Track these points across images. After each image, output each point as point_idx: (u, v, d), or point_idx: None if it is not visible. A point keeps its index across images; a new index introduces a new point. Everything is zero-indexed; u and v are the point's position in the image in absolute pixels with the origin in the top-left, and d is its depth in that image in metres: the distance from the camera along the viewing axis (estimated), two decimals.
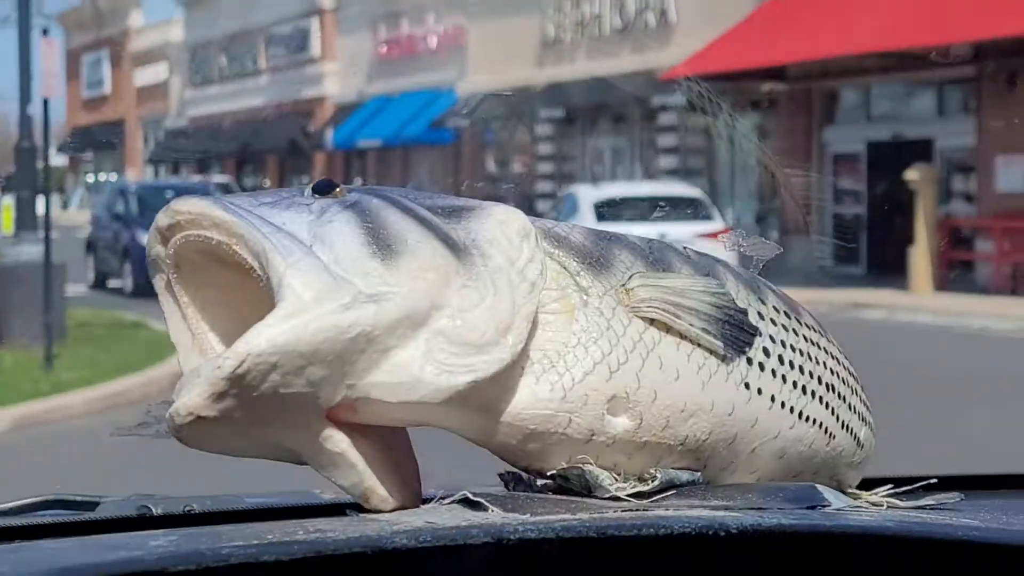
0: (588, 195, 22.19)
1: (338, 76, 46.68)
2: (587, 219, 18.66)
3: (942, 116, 27.44)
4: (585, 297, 1.39)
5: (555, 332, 1.36)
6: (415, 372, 1.27)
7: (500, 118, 33.58)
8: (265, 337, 1.22)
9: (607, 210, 20.69)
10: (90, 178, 63.19)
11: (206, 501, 1.84)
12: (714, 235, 22.96)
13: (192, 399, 1.22)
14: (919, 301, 23.10)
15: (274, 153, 48.41)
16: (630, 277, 1.42)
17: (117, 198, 27.44)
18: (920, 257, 24.46)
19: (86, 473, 9.59)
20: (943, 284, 24.83)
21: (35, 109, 17.37)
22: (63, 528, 1.70)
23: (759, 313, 1.49)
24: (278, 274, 1.24)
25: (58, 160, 63.17)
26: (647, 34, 33.13)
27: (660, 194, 23.35)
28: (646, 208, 20.49)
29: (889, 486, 1.63)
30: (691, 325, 1.41)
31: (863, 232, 28.65)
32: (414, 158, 42.26)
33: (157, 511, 1.79)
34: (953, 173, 27.66)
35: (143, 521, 1.76)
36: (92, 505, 1.79)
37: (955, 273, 26.10)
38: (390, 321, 1.26)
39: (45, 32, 19.60)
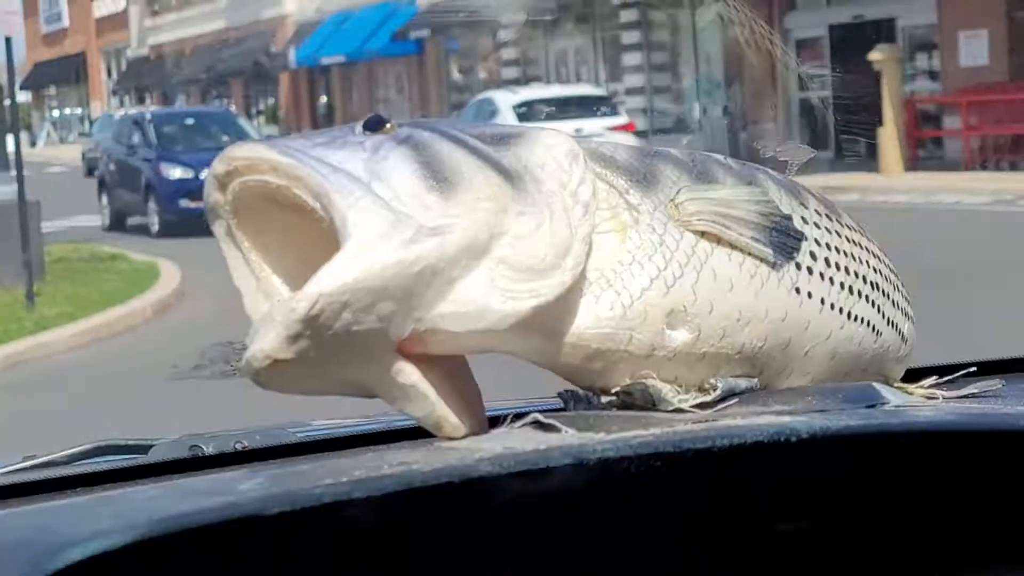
0: (506, 99, 23.01)
1: None
2: (508, 120, 19.74)
3: None
4: (636, 215, 1.41)
5: (610, 251, 1.38)
6: (480, 301, 1.29)
7: (462, 25, 33.38)
8: (335, 277, 1.23)
9: (526, 110, 21.49)
10: (55, 113, 62.69)
11: (255, 436, 1.86)
12: (624, 127, 24.23)
13: (269, 342, 1.24)
14: (891, 182, 23.20)
15: (238, 76, 48.10)
16: (678, 192, 1.43)
17: (132, 129, 25.13)
18: (889, 138, 24.50)
19: (83, 409, 9.63)
20: (913, 163, 24.92)
21: None
22: (122, 473, 1.72)
23: (803, 218, 1.51)
24: (341, 214, 1.25)
25: (22, 97, 62.70)
26: None
27: (571, 94, 24.44)
28: (560, 107, 21.32)
29: (934, 378, 1.66)
30: (741, 235, 1.43)
31: (829, 116, 28.66)
32: (379, 72, 42.04)
33: (209, 450, 1.81)
34: (916, 51, 27.67)
35: (198, 462, 1.78)
36: (145, 448, 1.81)
37: (924, 151, 26.17)
38: (453, 252, 1.28)
39: None
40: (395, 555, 1.22)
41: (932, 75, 27.40)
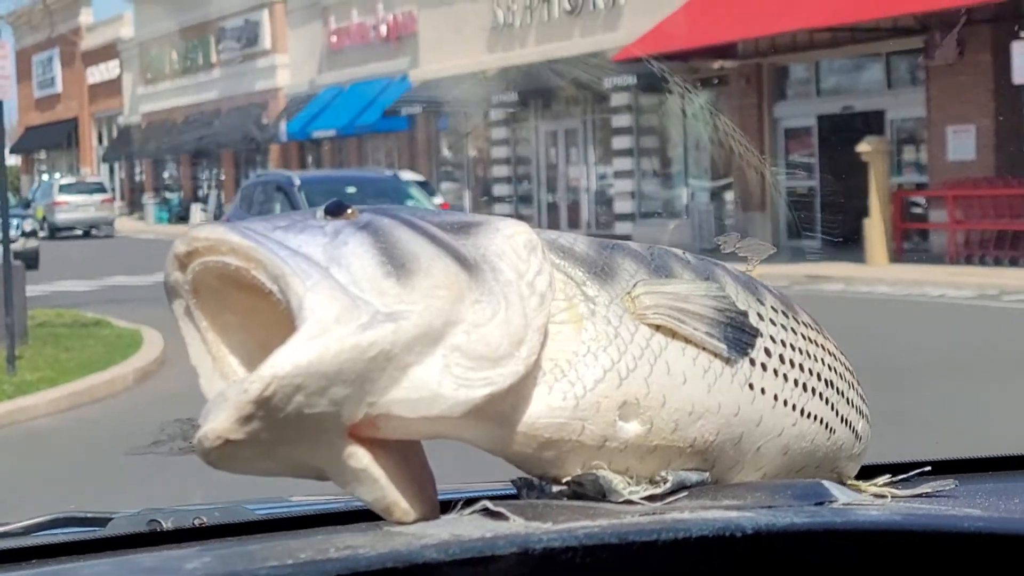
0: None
1: (290, 68, 46.61)
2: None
3: (891, 88, 27.59)
4: (592, 306, 1.42)
5: (565, 342, 1.40)
6: (434, 387, 1.31)
7: (452, 104, 33.54)
8: (289, 360, 1.25)
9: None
10: (45, 177, 62.79)
11: (214, 512, 1.87)
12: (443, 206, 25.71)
13: (220, 423, 1.25)
14: (876, 272, 23.28)
15: (229, 147, 48.27)
16: (635, 285, 1.45)
17: (271, 195, 20.69)
18: (875, 229, 24.61)
19: (58, 475, 9.60)
20: (899, 255, 25.01)
21: None
22: (79, 547, 1.73)
23: (759, 314, 1.53)
24: (298, 297, 1.27)
25: (11, 160, 62.79)
26: (596, 15, 33.19)
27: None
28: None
29: (887, 476, 1.67)
30: (695, 329, 1.44)
31: (817, 205, 28.79)
32: (369, 147, 42.20)
33: (168, 525, 1.82)
34: (904, 144, 27.84)
35: (155, 536, 1.79)
36: (103, 521, 1.81)
37: (910, 243, 26.27)
38: (408, 339, 1.29)
39: None
40: None
41: (919, 168, 27.56)
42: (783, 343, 1.54)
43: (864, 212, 24.96)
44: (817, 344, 1.60)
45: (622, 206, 33.31)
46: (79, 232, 49.01)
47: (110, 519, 1.82)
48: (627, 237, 31.74)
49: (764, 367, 1.50)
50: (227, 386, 1.29)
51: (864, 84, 28.41)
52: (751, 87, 29.57)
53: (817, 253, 25.98)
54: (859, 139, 25.82)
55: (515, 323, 1.34)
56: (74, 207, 49.23)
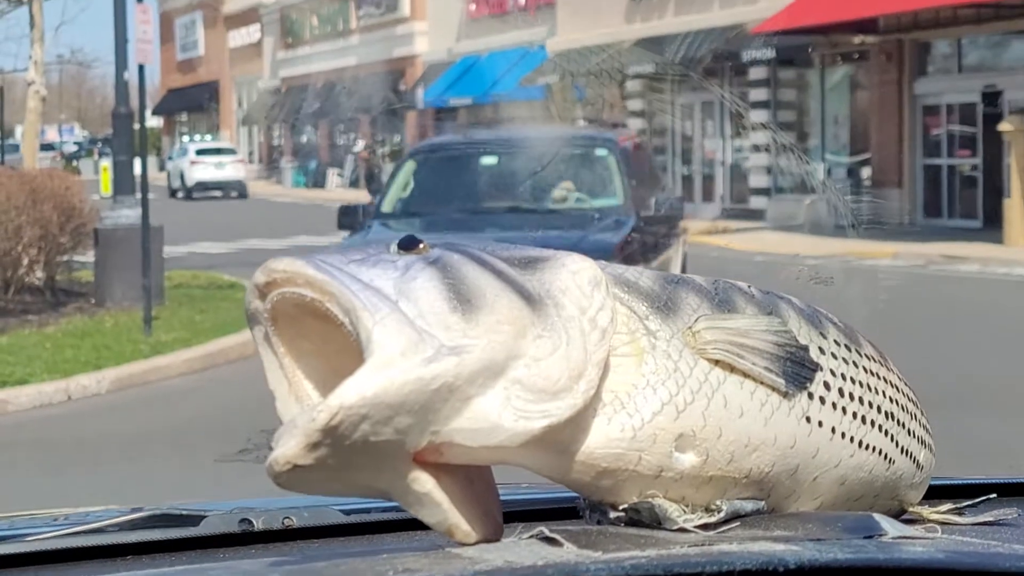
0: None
1: (428, 35, 46.83)
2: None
3: None
4: (653, 340, 1.48)
5: (625, 374, 1.45)
6: (494, 418, 1.37)
7: (589, 74, 33.49)
8: (355, 390, 1.32)
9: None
10: (185, 139, 63.81)
11: (303, 513, 1.95)
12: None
13: (289, 449, 1.33)
14: (1014, 254, 22.92)
15: (366, 112, 48.62)
16: (696, 320, 1.50)
17: None
18: (1015, 209, 24.24)
19: (185, 434, 9.81)
20: None
21: (131, 74, 17.63)
22: (173, 544, 1.82)
23: (820, 348, 1.57)
24: (366, 330, 1.34)
25: (153, 122, 63.84)
26: None
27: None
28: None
29: (949, 504, 1.71)
30: (754, 364, 1.49)
31: (956, 184, 28.44)
32: (504, 115, 42.27)
33: (258, 525, 1.90)
34: None
35: (245, 536, 1.88)
36: (196, 520, 1.90)
37: None
38: (470, 372, 1.36)
39: None
40: None
41: None
42: (843, 376, 1.58)
43: (1004, 192, 24.61)
44: (879, 376, 1.64)
45: (757, 180, 33.11)
46: (217, 194, 50.76)
47: (204, 516, 1.91)
48: (761, 212, 31.60)
49: (823, 400, 1.55)
50: (298, 413, 1.37)
51: (1007, 62, 27.96)
52: (892, 63, 29.24)
53: (954, 232, 25.68)
54: (1001, 118, 25.45)
55: (575, 358, 1.40)
56: (207, 168, 51.72)
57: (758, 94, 32.62)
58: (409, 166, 13.43)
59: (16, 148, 46.82)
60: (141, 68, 18.07)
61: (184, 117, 71.36)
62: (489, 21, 42.60)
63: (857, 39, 29.68)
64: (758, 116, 32.41)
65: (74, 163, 63.56)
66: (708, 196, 34.86)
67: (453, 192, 12.33)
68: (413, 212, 12.44)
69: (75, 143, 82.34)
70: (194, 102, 66.94)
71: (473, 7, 43.57)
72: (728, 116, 34.08)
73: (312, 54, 53.56)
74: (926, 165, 29.04)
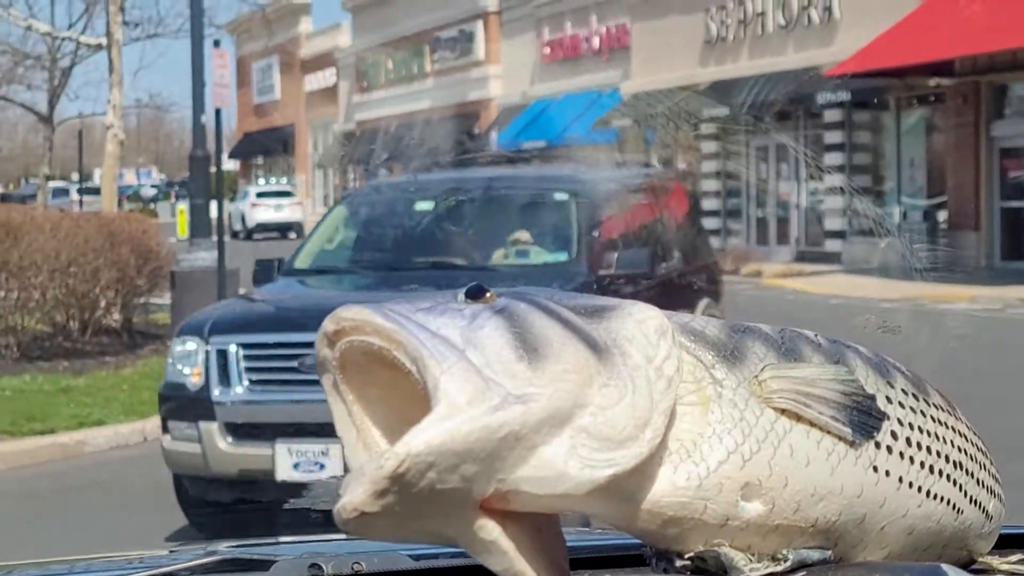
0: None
1: (502, 79, 47.01)
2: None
3: None
4: (720, 389, 1.48)
5: (691, 423, 1.46)
6: (560, 467, 1.38)
7: (663, 116, 33.50)
8: (422, 439, 1.33)
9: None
10: (261, 182, 64.39)
11: (373, 559, 1.96)
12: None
13: (357, 496, 1.34)
14: None
15: (440, 155, 48.75)
16: (763, 368, 1.50)
17: None
18: None
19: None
20: None
21: (207, 118, 17.84)
22: None
23: (887, 397, 1.57)
24: (434, 378, 1.35)
25: (229, 165, 64.43)
26: (811, 31, 32.93)
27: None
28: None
29: (1020, 555, 1.70)
30: (820, 414, 1.49)
31: None
32: (577, 159, 42.32)
33: (328, 569, 1.91)
34: None
35: None
36: (267, 564, 1.91)
37: None
38: (536, 421, 1.36)
39: (216, 44, 20.11)
40: None
41: None
42: (911, 426, 1.58)
43: None
44: (947, 426, 1.63)
45: (832, 223, 32.96)
46: (275, 235, 52.91)
47: (274, 561, 1.92)
48: (837, 255, 31.43)
49: (890, 450, 1.54)
50: (366, 460, 1.38)
51: None
52: (968, 105, 29.08)
53: None
54: None
55: (641, 407, 1.41)
56: (267, 210, 55.25)
57: (833, 137, 32.51)
58: (338, 213, 11.68)
59: (96, 191, 47.45)
60: (218, 112, 18.29)
61: (260, 160, 71.88)
62: (563, 64, 42.74)
63: (932, 82, 29.53)
64: (833, 159, 32.30)
65: (151, 206, 64.18)
66: (783, 239, 34.73)
67: (381, 244, 10.64)
68: (326, 268, 10.62)
69: (152, 186, 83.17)
70: (270, 146, 67.45)
71: (548, 51, 43.73)
72: (803, 157, 33.96)
73: (387, 98, 53.91)
74: (1004, 208, 28.83)
